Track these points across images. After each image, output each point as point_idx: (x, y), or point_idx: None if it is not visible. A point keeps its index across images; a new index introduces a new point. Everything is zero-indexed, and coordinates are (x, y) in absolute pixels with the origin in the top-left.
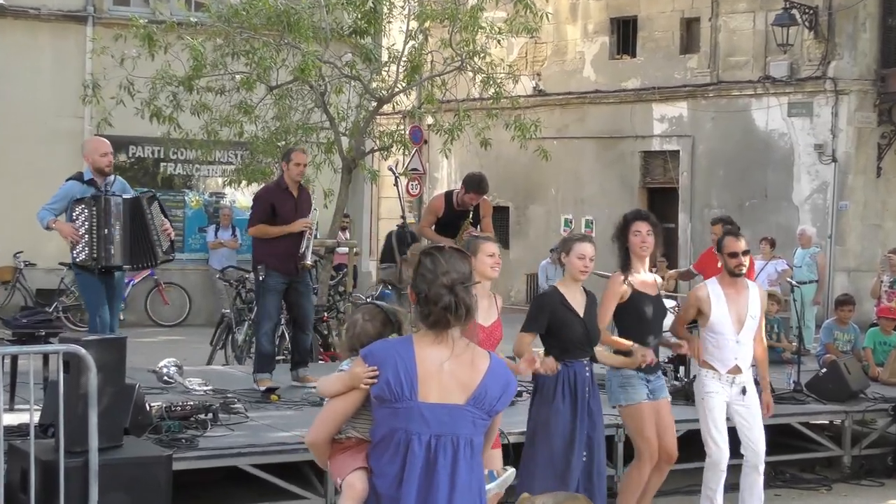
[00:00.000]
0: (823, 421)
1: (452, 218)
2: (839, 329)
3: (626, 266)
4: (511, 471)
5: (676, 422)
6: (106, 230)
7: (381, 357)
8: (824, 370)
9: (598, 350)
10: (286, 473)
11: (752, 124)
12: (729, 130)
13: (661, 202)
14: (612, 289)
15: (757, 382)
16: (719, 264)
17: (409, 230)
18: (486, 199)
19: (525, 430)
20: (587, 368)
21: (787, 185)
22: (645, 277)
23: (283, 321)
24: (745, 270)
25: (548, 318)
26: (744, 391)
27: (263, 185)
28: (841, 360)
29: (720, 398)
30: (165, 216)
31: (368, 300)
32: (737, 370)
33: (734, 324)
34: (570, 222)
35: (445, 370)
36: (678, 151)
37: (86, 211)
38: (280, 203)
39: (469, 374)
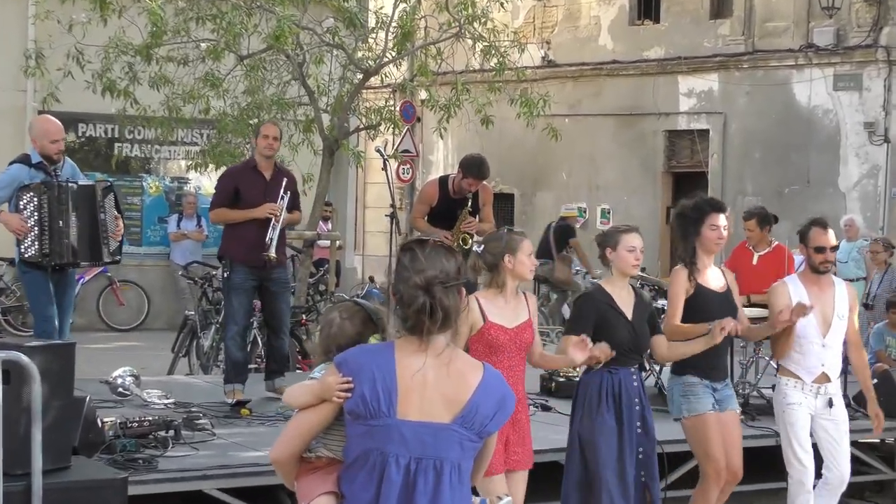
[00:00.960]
0: (874, 440)
1: (448, 207)
2: (891, 334)
3: (691, 260)
4: (507, 499)
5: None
6: (60, 221)
7: (356, 366)
8: (875, 381)
9: (671, 345)
10: (258, 499)
11: (793, 100)
12: (766, 107)
13: (687, 189)
14: (678, 283)
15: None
16: (755, 261)
17: (567, 224)
18: (486, 186)
19: (560, 446)
20: (634, 377)
21: (833, 169)
22: (712, 272)
23: (255, 324)
24: (831, 268)
25: (594, 320)
26: (830, 403)
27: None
28: (894, 370)
29: (804, 411)
30: (119, 212)
31: (360, 300)
32: (824, 378)
33: (820, 326)
34: (584, 212)
35: (430, 383)
36: (707, 131)
37: (35, 199)
38: (246, 184)
39: (457, 388)
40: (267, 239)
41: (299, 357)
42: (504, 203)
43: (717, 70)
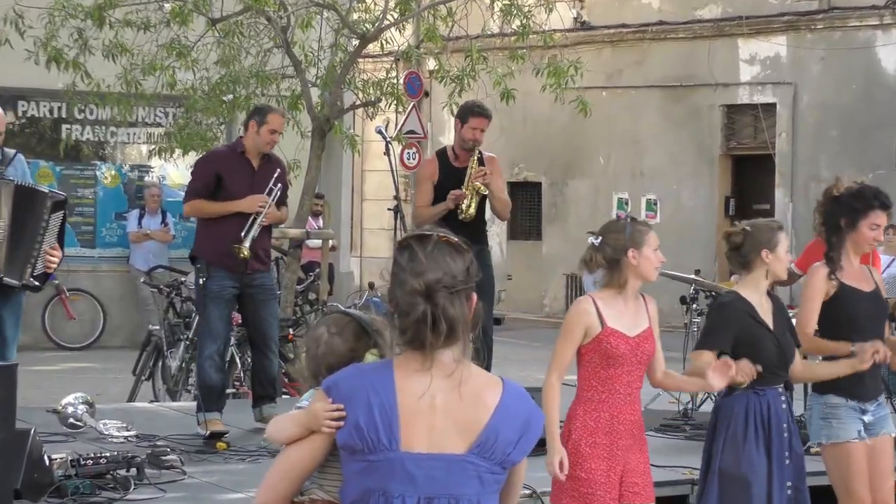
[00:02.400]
0: None
1: (455, 178)
2: None
3: (835, 256)
4: None
5: None
6: None
7: (348, 390)
8: None
9: (808, 366)
10: None
11: (877, 67)
12: (844, 75)
13: (750, 174)
14: (816, 284)
15: None
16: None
17: None
18: (492, 157)
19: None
20: (783, 398)
21: None
22: (857, 269)
23: (233, 341)
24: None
25: (734, 333)
26: None
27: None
28: None
29: None
30: (61, 244)
31: (351, 310)
32: None
33: None
34: (626, 203)
35: (438, 407)
36: (774, 105)
37: None
38: (230, 173)
39: (472, 411)
40: (243, 231)
41: (285, 380)
42: (530, 193)
43: (785, 32)
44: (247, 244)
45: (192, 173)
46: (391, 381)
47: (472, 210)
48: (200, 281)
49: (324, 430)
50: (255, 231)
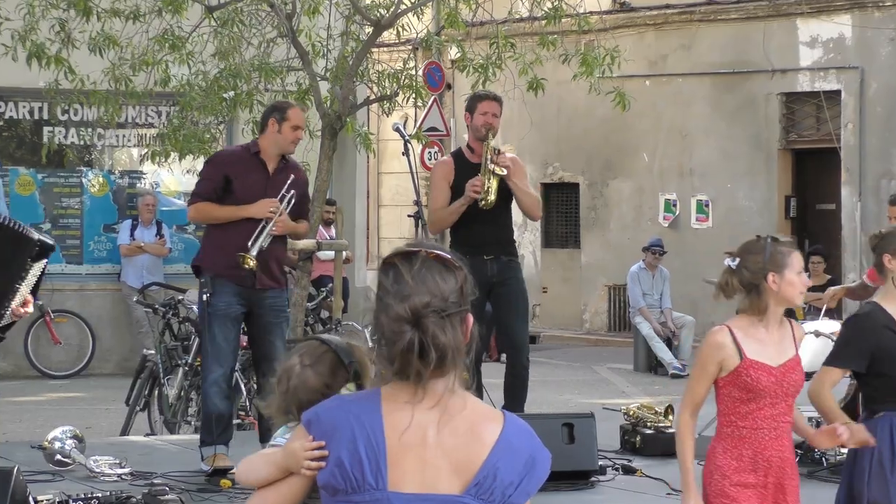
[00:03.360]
0: None
1: (472, 177)
2: None
3: None
4: None
5: None
6: None
7: (330, 424)
8: None
9: None
10: None
11: None
12: None
13: (813, 170)
14: None
15: None
16: None
17: None
18: (515, 157)
19: None
20: None
21: None
22: None
23: (238, 365)
24: None
25: (871, 349)
26: None
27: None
28: None
29: None
30: (35, 294)
31: (367, 330)
32: None
33: None
34: (674, 205)
35: (430, 443)
36: (838, 92)
37: None
38: (241, 175)
39: (468, 447)
40: (250, 240)
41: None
42: (566, 195)
43: (850, 10)
44: (253, 252)
45: (200, 174)
46: (378, 414)
47: (493, 196)
48: (205, 297)
49: (304, 473)
50: (263, 239)
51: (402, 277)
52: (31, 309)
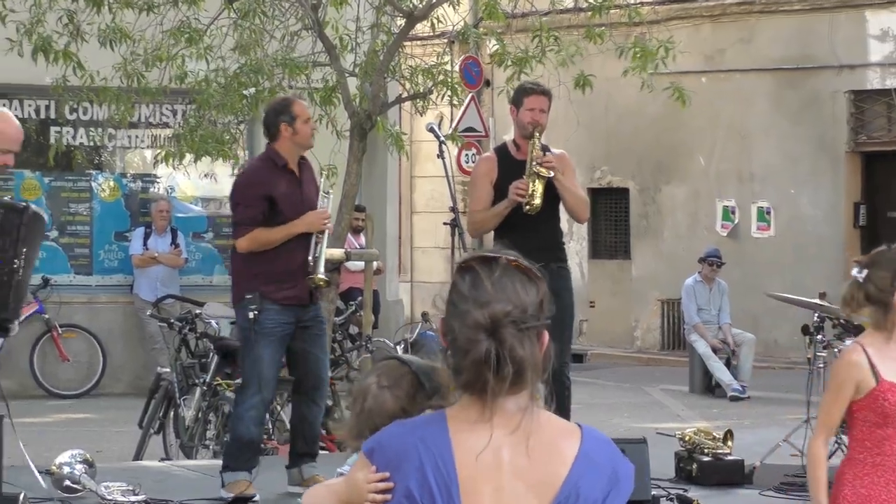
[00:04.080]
0: None
1: (518, 176)
2: None
3: None
4: None
5: None
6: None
7: (394, 452)
8: None
9: None
10: None
11: None
12: None
13: (884, 175)
14: None
15: None
16: None
17: None
18: (563, 154)
19: None
20: None
21: None
22: None
23: None
24: None
25: None
26: None
27: (248, 164)
28: None
29: None
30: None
31: (399, 347)
32: None
33: None
34: (733, 213)
35: (505, 464)
36: None
37: None
38: (281, 192)
39: (547, 466)
40: (310, 257)
41: (323, 432)
42: (615, 202)
43: None
44: (321, 271)
45: (238, 200)
46: (446, 437)
47: (538, 200)
48: (252, 315)
49: None
50: (321, 253)
51: (482, 283)
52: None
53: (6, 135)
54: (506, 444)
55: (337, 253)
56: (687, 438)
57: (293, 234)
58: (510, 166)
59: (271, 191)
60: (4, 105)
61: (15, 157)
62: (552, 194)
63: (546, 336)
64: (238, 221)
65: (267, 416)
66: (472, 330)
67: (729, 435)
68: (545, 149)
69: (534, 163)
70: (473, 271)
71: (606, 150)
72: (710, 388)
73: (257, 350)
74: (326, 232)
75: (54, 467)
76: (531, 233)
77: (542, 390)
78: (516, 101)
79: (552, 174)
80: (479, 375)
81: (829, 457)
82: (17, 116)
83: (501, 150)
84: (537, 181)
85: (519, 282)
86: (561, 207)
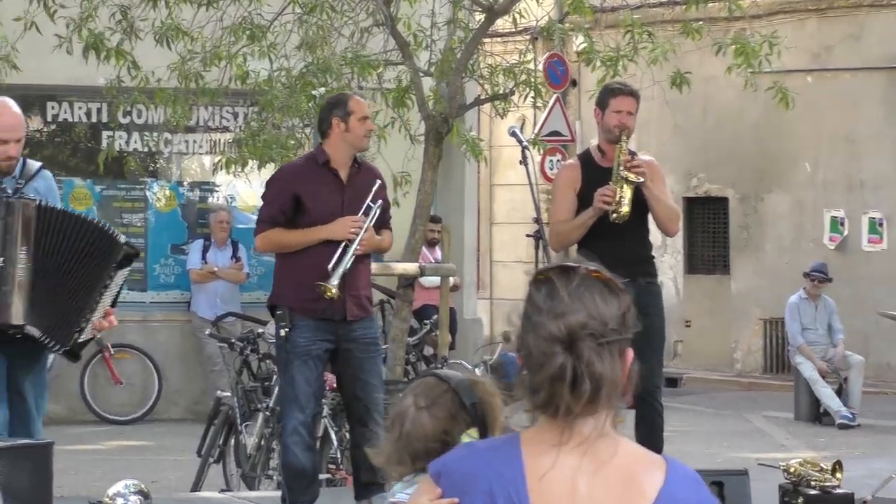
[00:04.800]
0: None
1: (603, 184)
2: None
3: None
4: None
5: None
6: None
7: (462, 477)
8: None
9: None
10: None
11: None
12: None
13: None
14: None
15: None
16: None
17: None
18: (652, 162)
19: None
20: None
21: None
22: None
23: (327, 410)
24: None
25: None
26: None
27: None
28: None
29: None
30: (116, 300)
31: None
32: None
33: None
34: (842, 224)
35: (582, 495)
36: None
37: None
38: (313, 191)
39: (625, 500)
40: (329, 265)
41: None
42: (714, 212)
43: None
44: (335, 281)
45: (264, 197)
46: (518, 461)
47: (626, 208)
48: (282, 332)
49: None
50: (346, 263)
51: (558, 293)
52: (114, 321)
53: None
54: (583, 471)
55: (411, 268)
56: (792, 470)
57: (314, 239)
58: (595, 174)
59: (299, 189)
60: (52, 108)
61: (22, 146)
62: (641, 204)
63: (630, 353)
64: (259, 219)
65: (335, 443)
66: (546, 343)
67: (838, 466)
68: (633, 154)
69: (621, 167)
70: (550, 282)
71: (704, 156)
72: (817, 415)
73: (291, 370)
74: (354, 242)
75: (107, 499)
76: (618, 244)
77: (623, 414)
78: (601, 102)
79: (641, 179)
80: (554, 393)
81: None
82: (64, 120)
83: (585, 157)
84: (625, 187)
85: (598, 293)
86: (649, 218)
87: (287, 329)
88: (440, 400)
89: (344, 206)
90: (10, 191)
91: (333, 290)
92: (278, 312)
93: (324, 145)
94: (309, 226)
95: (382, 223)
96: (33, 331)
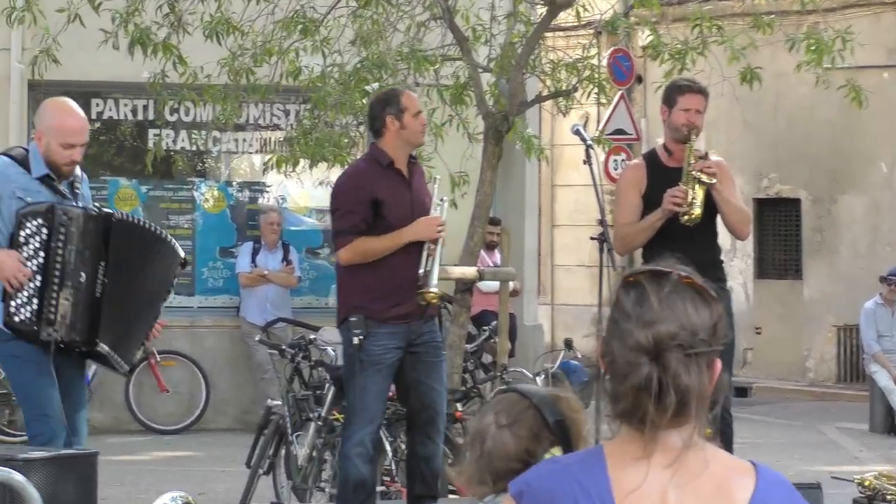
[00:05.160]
0: None
1: (669, 185)
2: None
3: None
4: None
5: None
6: (83, 274)
7: (546, 494)
8: None
9: None
10: None
11: None
12: None
13: None
14: None
15: None
16: None
17: None
18: (720, 162)
19: None
20: None
21: None
22: None
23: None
24: None
25: None
26: None
27: (350, 165)
28: None
29: None
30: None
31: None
32: None
33: None
34: None
35: None
36: None
37: (43, 231)
38: (387, 195)
39: None
40: (421, 270)
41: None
42: (785, 214)
43: None
44: (433, 285)
45: (338, 206)
46: (604, 475)
47: (698, 210)
48: (356, 340)
49: None
50: (434, 265)
51: (648, 300)
52: (160, 329)
53: (71, 127)
54: (671, 484)
55: (469, 272)
56: (867, 483)
57: (401, 243)
58: (661, 174)
59: (376, 194)
60: (97, 105)
61: (86, 151)
62: (709, 205)
63: (718, 365)
64: (339, 230)
65: (390, 455)
66: (632, 352)
67: None
68: (704, 154)
69: (692, 167)
70: (640, 287)
71: (775, 156)
72: (893, 426)
73: (363, 380)
74: (440, 242)
75: None
76: (687, 248)
77: (709, 425)
78: (668, 100)
79: (714, 181)
80: (637, 404)
81: None
82: (109, 118)
83: (651, 157)
84: (697, 188)
85: (690, 301)
86: (718, 220)
87: (362, 336)
88: (522, 417)
89: (414, 205)
90: (69, 195)
91: (433, 294)
92: (352, 319)
93: (380, 145)
94: (385, 230)
95: None
96: (104, 348)
